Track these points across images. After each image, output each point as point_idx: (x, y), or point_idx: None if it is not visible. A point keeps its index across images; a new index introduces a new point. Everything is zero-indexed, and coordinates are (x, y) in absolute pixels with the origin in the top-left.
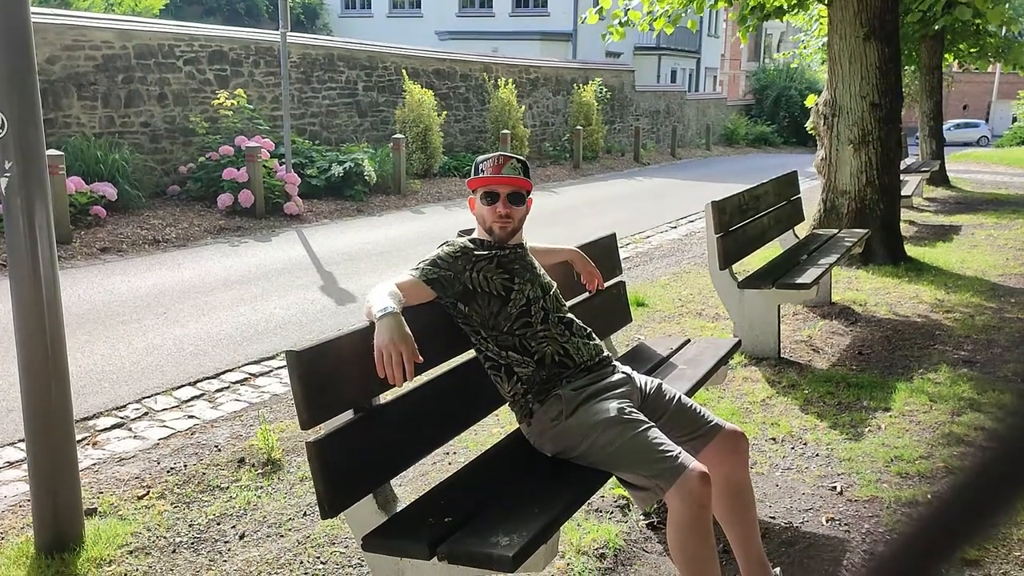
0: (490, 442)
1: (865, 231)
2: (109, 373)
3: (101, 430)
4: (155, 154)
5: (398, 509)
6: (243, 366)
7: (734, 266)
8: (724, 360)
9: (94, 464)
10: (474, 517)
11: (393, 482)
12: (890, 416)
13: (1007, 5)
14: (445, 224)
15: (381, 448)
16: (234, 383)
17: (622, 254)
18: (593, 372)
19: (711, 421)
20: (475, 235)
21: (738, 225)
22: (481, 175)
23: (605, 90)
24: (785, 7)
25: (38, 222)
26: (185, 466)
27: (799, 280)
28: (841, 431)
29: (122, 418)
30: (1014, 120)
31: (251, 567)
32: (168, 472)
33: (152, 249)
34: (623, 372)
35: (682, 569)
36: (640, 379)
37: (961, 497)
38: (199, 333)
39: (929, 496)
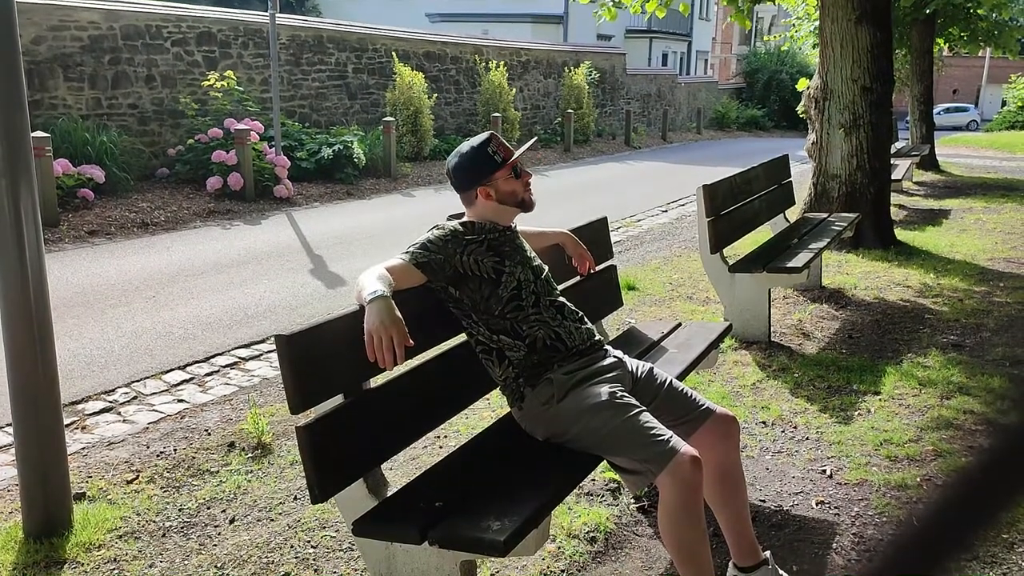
0: (481, 426)
1: (855, 215)
2: (98, 357)
3: (90, 414)
4: (143, 136)
5: (389, 493)
6: (233, 350)
7: (725, 250)
8: (715, 344)
9: (83, 448)
10: (465, 501)
11: (384, 466)
12: (880, 399)
13: None
14: (436, 207)
15: (371, 432)
16: (224, 367)
17: (613, 238)
18: (585, 356)
19: (702, 405)
20: (465, 219)
21: (729, 209)
22: (497, 160)
23: (595, 73)
24: None
25: (23, 205)
26: (175, 450)
27: (790, 264)
28: (831, 414)
29: (111, 402)
30: (1003, 104)
31: (241, 551)
32: (158, 456)
33: (141, 232)
34: (615, 356)
35: (673, 552)
36: (631, 363)
37: (968, 491)
38: (188, 317)
39: (934, 491)
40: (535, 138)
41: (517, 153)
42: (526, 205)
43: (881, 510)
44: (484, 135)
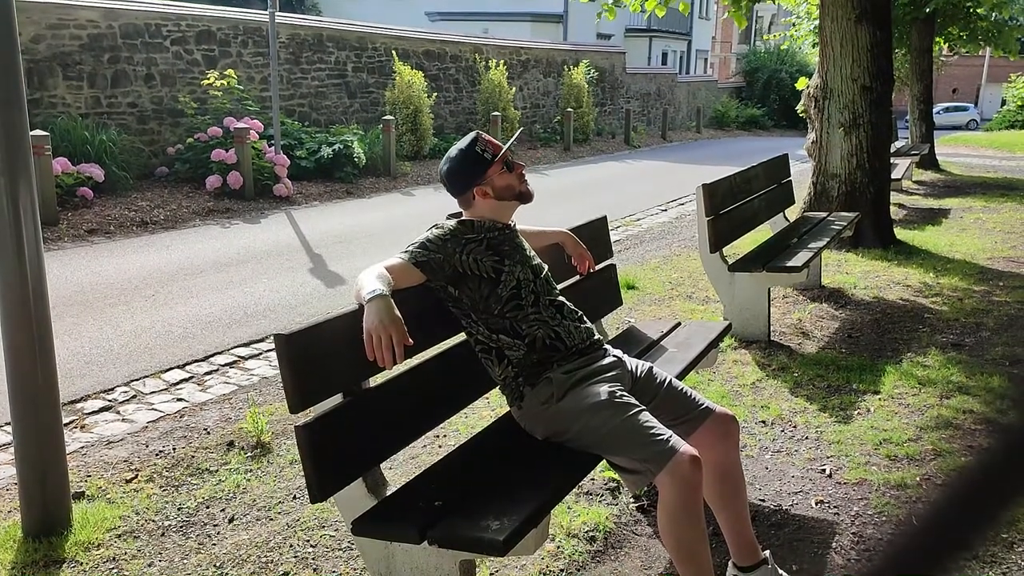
0: (481, 425)
1: (855, 214)
2: (97, 356)
3: (89, 413)
4: (143, 135)
5: (388, 493)
6: (232, 349)
7: (724, 249)
8: (714, 343)
9: (82, 447)
10: (464, 501)
11: (383, 466)
12: (879, 399)
13: None
14: (435, 206)
15: (371, 432)
16: (223, 366)
17: (612, 237)
18: (584, 355)
19: (702, 404)
20: (464, 217)
21: (729, 208)
22: (487, 157)
23: (595, 72)
24: None
25: (22, 204)
26: (174, 449)
27: (789, 263)
28: (830, 414)
29: (110, 401)
30: (1003, 104)
31: (240, 550)
32: (157, 455)
33: (140, 231)
34: (614, 355)
35: (672, 552)
36: (631, 362)
37: (968, 491)
38: (188, 316)
39: (934, 491)
40: (521, 129)
41: (505, 147)
42: (524, 197)
43: (881, 510)
44: (469, 136)
